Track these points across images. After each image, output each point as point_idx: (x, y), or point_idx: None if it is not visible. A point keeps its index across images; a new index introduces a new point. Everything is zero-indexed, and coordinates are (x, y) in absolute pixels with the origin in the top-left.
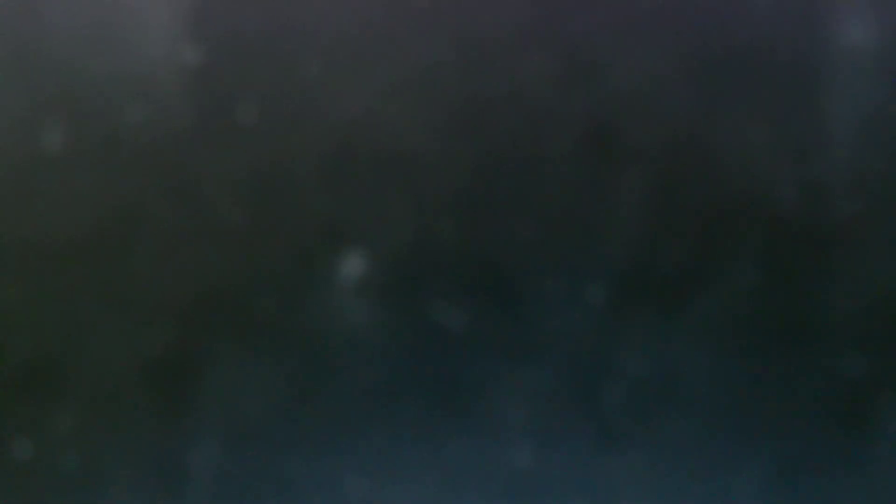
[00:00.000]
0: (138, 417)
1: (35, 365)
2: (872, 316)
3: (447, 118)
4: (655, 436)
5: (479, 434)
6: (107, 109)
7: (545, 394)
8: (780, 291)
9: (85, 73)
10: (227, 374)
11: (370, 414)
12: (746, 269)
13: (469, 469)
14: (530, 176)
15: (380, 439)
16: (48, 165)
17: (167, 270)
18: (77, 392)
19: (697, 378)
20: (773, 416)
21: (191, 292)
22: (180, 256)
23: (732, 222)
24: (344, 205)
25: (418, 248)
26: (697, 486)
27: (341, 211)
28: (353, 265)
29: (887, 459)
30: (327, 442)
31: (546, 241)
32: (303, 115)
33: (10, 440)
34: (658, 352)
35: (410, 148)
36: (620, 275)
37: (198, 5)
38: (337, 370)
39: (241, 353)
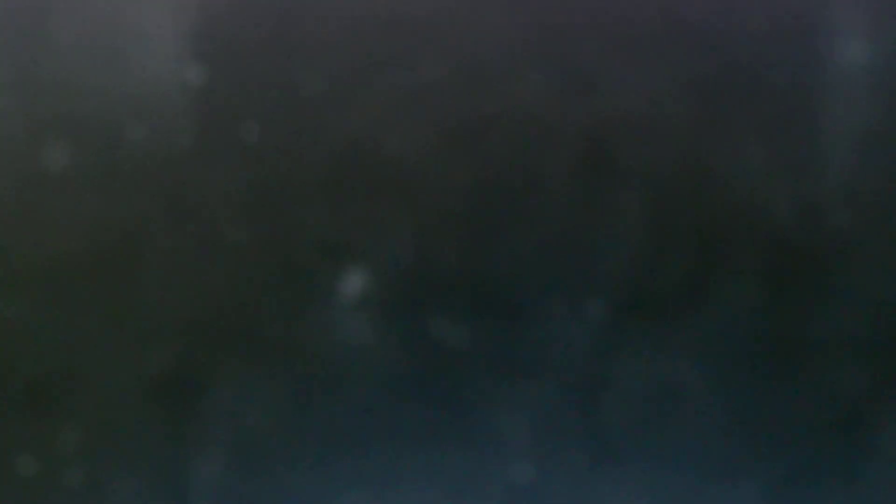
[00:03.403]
0: (141, 433)
1: (39, 382)
2: (869, 330)
3: (447, 136)
4: (655, 451)
5: (479, 449)
6: (109, 128)
7: (545, 410)
8: (777, 307)
9: (88, 92)
10: (228, 391)
11: (370, 430)
12: (744, 285)
13: (469, 485)
14: (529, 193)
15: (380, 455)
16: (51, 184)
17: (169, 288)
18: (80, 408)
19: (696, 394)
20: (771, 431)
21: (193, 309)
22: (182, 274)
23: (730, 239)
24: (344, 222)
25: (418, 265)
26: (696, 500)
27: (342, 228)
28: (353, 282)
29: (885, 473)
30: (328, 457)
31: (545, 258)
32: (303, 133)
33: (15, 456)
34: (657, 368)
35: (410, 166)
36: (619, 291)
37: (200, 25)
38: (337, 386)
39: (242, 369)
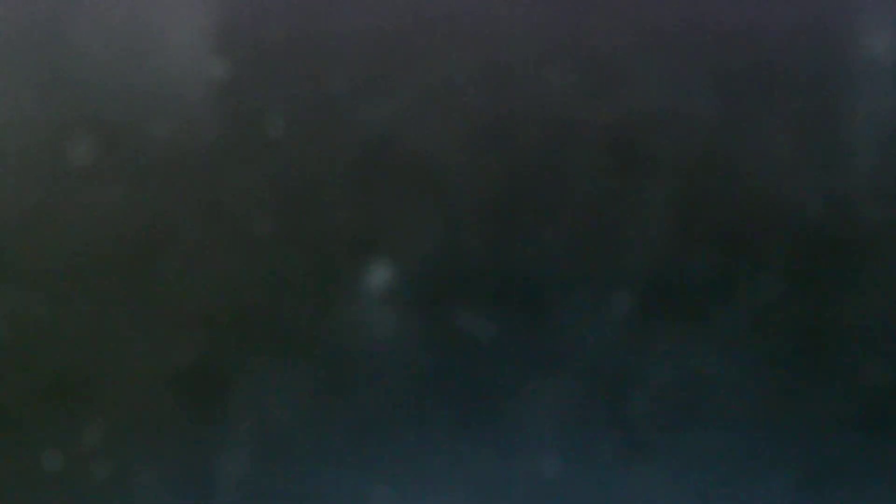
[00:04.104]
0: (167, 428)
1: (65, 377)
2: None
3: (473, 130)
4: (681, 445)
5: (506, 444)
6: (135, 124)
7: (572, 403)
8: (805, 301)
9: (113, 89)
10: (255, 385)
11: (397, 424)
12: (771, 279)
13: (496, 479)
14: (556, 187)
15: (407, 449)
16: (77, 181)
17: (195, 282)
18: (107, 403)
19: (723, 387)
20: (798, 425)
21: (219, 304)
22: (208, 268)
23: (757, 233)
24: (371, 216)
25: (445, 258)
26: (723, 495)
27: (368, 222)
28: (380, 276)
29: None
30: (355, 452)
31: (572, 251)
32: (329, 127)
33: (41, 451)
34: (683, 362)
35: (436, 159)
36: (646, 285)
37: (224, 20)
38: (364, 380)
39: (269, 363)
